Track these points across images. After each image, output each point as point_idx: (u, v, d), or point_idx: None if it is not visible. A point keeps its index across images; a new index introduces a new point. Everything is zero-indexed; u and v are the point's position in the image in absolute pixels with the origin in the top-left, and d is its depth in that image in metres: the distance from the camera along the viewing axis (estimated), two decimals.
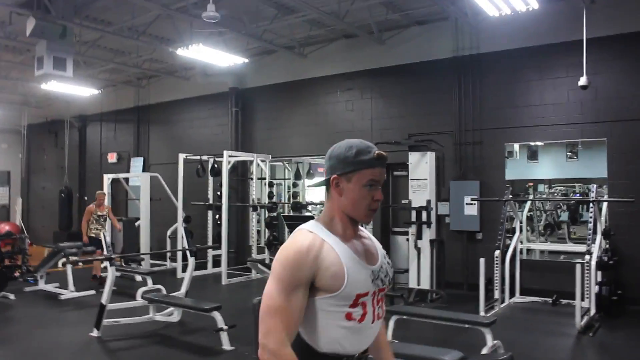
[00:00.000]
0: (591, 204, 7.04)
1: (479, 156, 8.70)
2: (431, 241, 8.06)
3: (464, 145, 8.81)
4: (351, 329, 1.53)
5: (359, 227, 1.65)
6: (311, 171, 11.31)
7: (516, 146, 8.64)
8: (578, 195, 10.91)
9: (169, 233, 11.20)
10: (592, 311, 6.72)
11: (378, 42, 9.51)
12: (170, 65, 11.87)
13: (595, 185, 7.13)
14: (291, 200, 10.81)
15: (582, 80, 6.68)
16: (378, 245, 1.71)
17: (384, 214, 9.64)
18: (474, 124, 8.77)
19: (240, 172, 11.51)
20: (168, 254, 11.23)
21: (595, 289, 6.83)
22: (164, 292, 6.93)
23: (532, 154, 10.82)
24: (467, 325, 4.95)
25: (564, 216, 10.98)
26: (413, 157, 8.38)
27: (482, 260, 6.87)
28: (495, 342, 4.62)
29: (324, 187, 1.62)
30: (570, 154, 10.52)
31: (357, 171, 1.54)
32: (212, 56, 9.06)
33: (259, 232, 10.44)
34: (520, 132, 8.46)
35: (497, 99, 8.57)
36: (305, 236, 1.51)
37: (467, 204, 8.59)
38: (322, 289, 1.48)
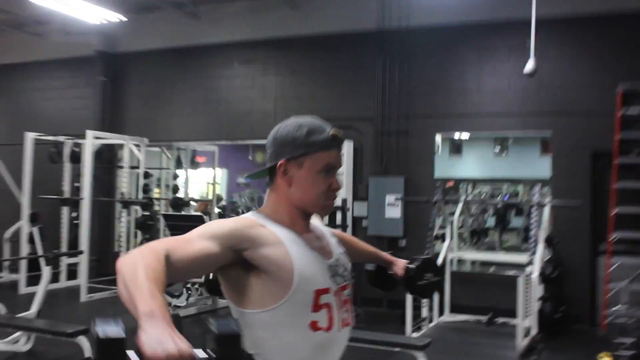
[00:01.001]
0: (534, 208, 6.98)
1: (405, 148, 8.70)
2: None
3: (387, 134, 8.79)
4: (320, 343, 1.52)
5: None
6: (196, 160, 11.20)
7: (438, 138, 8.77)
8: (507, 197, 11.13)
9: (8, 235, 10.09)
10: (534, 331, 6.80)
11: (291, 6, 9.27)
12: (18, 17, 10.75)
13: (539, 186, 7.22)
14: (171, 196, 10.48)
15: (529, 66, 6.57)
16: (328, 234, 1.73)
17: None
18: (399, 110, 8.77)
19: (107, 158, 10.95)
20: (5, 263, 10.35)
21: (536, 305, 6.90)
22: (3, 311, 6.08)
23: (456, 148, 10.94)
24: (397, 349, 4.86)
25: (490, 221, 11.16)
26: None
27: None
28: None
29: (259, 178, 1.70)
30: (499, 149, 10.71)
31: (309, 155, 1.56)
32: (76, 8, 8.53)
33: (128, 235, 9.71)
34: (453, 121, 8.55)
35: (428, 82, 8.62)
36: (244, 217, 1.57)
37: (389, 204, 8.58)
38: (268, 288, 1.49)
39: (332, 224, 7.88)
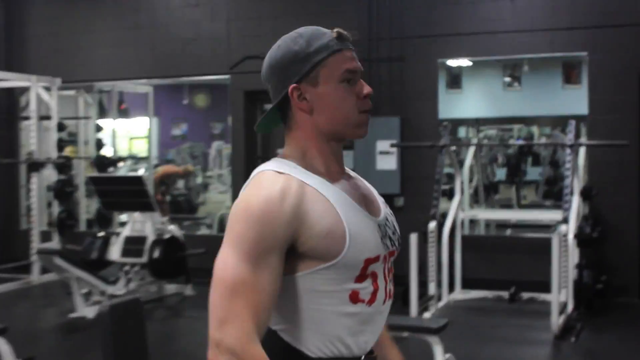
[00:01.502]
0: (568, 151, 7.11)
1: (399, 80, 8.70)
2: None
3: (377, 62, 8.75)
4: (358, 316, 1.60)
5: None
6: (125, 104, 11.26)
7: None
8: (519, 141, 11.29)
9: None
10: (570, 307, 6.96)
11: None
12: None
13: (573, 123, 7.22)
14: (94, 154, 10.54)
15: None
16: (373, 189, 1.81)
17: (249, 171, 9.33)
18: (392, 30, 8.74)
19: (6, 107, 10.90)
20: None
21: (573, 274, 7.06)
22: None
23: (453, 80, 10.96)
24: (405, 334, 4.92)
25: (501, 174, 11.31)
26: None
27: (412, 238, 6.87)
28: (447, 356, 4.66)
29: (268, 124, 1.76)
30: (509, 79, 10.80)
31: (321, 64, 1.62)
32: None
33: (40, 207, 9.69)
34: (461, 42, 8.56)
35: None
36: (275, 178, 1.58)
37: (381, 153, 8.65)
38: (311, 256, 1.55)
39: None
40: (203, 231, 11.26)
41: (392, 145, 8.37)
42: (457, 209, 7.91)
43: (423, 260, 7.21)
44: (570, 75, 9.87)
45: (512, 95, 11.00)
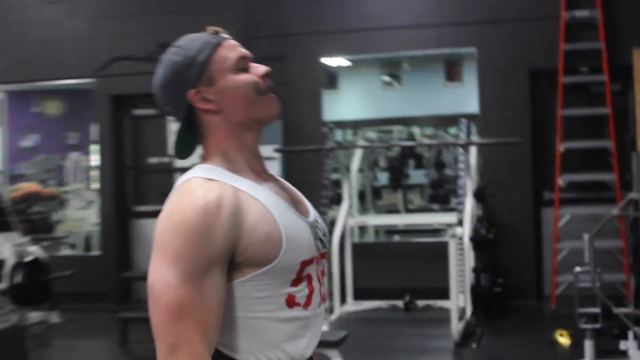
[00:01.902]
0: (460, 150, 7.08)
1: (281, 80, 8.32)
2: None
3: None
4: (296, 321, 1.63)
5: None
6: None
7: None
8: (410, 142, 11.09)
9: None
10: (468, 312, 6.99)
11: None
12: None
13: (465, 121, 7.18)
14: None
15: None
16: (297, 190, 1.84)
17: (119, 183, 9.31)
18: (270, 26, 8.59)
19: None
20: None
21: (469, 278, 7.07)
22: None
23: (330, 80, 10.77)
24: None
25: (383, 178, 11.15)
26: None
27: None
28: None
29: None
30: (389, 78, 10.64)
31: (209, 62, 1.66)
32: None
33: None
34: (346, 39, 8.47)
35: None
36: (206, 186, 1.58)
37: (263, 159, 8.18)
38: (247, 263, 1.57)
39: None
40: (65, 252, 10.51)
41: (276, 151, 8.12)
42: (346, 216, 7.71)
43: None
44: (452, 73, 9.84)
45: (392, 95, 10.92)
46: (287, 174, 8.42)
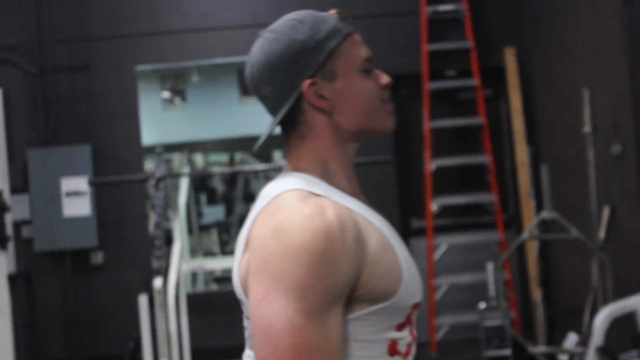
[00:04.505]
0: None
1: (86, 96, 7.90)
2: (11, 278, 7.11)
3: (53, 73, 7.93)
4: None
5: None
6: None
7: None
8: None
9: None
10: None
11: None
12: None
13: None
14: None
15: None
16: None
17: None
18: (70, 29, 7.88)
19: None
20: None
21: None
22: None
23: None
24: None
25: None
26: None
27: (142, 300, 6.21)
28: None
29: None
30: (169, 93, 10.08)
31: (336, 53, 1.63)
32: None
33: None
34: (167, 43, 7.90)
35: None
36: (318, 203, 1.52)
37: (68, 194, 7.83)
38: (363, 299, 1.54)
39: None
40: None
41: (90, 184, 7.45)
42: (180, 261, 7.05)
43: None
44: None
45: (175, 114, 10.29)
46: (100, 212, 7.90)
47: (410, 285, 1.53)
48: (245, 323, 1.69)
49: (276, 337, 1.40)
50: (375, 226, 1.53)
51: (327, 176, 1.61)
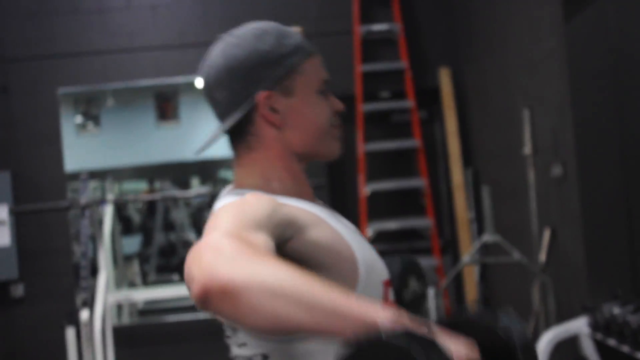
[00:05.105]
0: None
1: (5, 119, 7.73)
2: None
3: None
4: None
5: None
6: None
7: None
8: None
9: None
10: None
11: None
12: None
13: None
14: None
15: None
16: None
17: None
18: None
19: None
20: None
21: None
22: None
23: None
24: None
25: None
26: None
27: (70, 334, 6.09)
28: None
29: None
30: (82, 118, 9.72)
31: (297, 70, 1.65)
32: None
33: None
34: (88, 64, 7.72)
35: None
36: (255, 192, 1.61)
37: None
38: (331, 276, 1.56)
39: None
40: None
41: (11, 212, 7.27)
42: (106, 291, 6.91)
43: None
44: (165, 109, 9.17)
45: (88, 140, 9.86)
46: (20, 242, 7.64)
47: (371, 267, 1.56)
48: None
49: (198, 252, 1.29)
50: (321, 217, 1.55)
51: (272, 183, 1.64)
